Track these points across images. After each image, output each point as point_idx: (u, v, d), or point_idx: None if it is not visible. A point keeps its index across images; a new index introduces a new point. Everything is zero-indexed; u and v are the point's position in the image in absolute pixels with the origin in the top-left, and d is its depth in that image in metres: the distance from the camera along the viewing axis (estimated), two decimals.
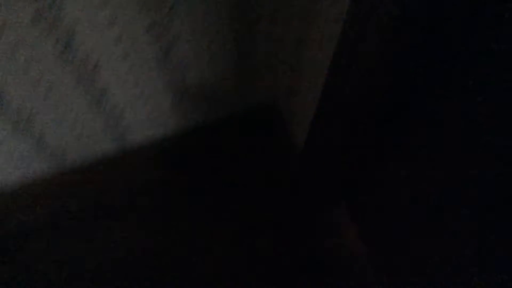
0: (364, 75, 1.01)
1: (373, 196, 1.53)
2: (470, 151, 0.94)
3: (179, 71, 1.27)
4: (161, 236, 1.62)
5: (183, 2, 1.04)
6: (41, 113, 1.19)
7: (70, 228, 1.64)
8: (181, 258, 1.58)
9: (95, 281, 1.55)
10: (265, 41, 1.32)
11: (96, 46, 1.05)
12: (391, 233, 1.46)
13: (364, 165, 1.51)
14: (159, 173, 1.71)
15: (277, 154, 1.76)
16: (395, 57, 0.95)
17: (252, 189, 1.71)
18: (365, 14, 0.85)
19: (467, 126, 0.92)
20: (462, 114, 0.92)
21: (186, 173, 1.74)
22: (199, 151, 1.75)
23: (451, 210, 1.08)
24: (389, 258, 1.49)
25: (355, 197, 1.67)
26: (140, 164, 1.65)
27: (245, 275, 1.55)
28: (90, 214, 1.66)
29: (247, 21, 1.20)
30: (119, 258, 1.58)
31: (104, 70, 1.14)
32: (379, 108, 1.21)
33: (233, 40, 1.24)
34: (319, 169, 1.60)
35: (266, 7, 1.17)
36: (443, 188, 1.09)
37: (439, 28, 0.87)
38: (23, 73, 1.03)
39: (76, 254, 1.59)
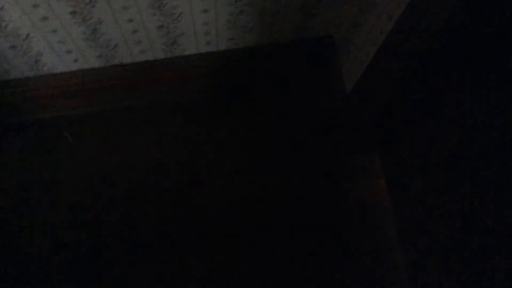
0: (428, 28, 0.96)
1: (406, 151, 1.50)
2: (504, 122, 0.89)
3: None
4: (198, 144, 1.63)
5: None
6: (101, 0, 1.16)
7: (103, 125, 1.66)
8: (208, 173, 1.60)
9: (134, 176, 1.60)
10: None
11: None
12: (417, 190, 1.44)
13: (403, 119, 1.48)
14: (202, 86, 1.70)
15: (324, 90, 1.72)
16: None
17: (291, 122, 1.69)
18: None
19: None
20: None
21: (228, 92, 1.72)
22: (246, 73, 1.71)
23: (478, 174, 1.05)
24: (412, 214, 1.48)
25: (390, 149, 1.64)
26: (185, 75, 1.63)
27: (273, 208, 1.57)
28: (125, 115, 1.67)
29: None
30: (142, 162, 1.61)
31: None
32: (431, 67, 1.16)
33: None
34: (362, 112, 1.57)
35: None
36: (472, 154, 1.06)
37: None
38: None
39: (101, 151, 1.63)
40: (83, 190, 1.58)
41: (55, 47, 1.34)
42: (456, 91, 1.18)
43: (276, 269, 1.50)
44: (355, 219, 1.57)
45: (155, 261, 1.50)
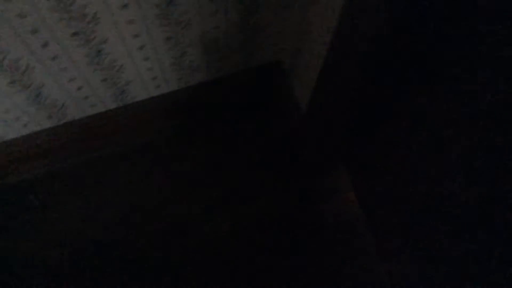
0: (367, 37, 0.97)
1: (372, 161, 1.52)
2: (467, 119, 0.91)
3: (181, 26, 1.22)
4: (160, 187, 1.62)
5: None
6: (38, 65, 1.15)
7: (68, 182, 1.64)
8: (178, 215, 1.59)
9: (97, 231, 1.57)
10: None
11: None
12: (389, 199, 1.46)
13: (363, 129, 1.49)
14: (160, 129, 1.69)
15: (280, 114, 1.74)
16: (396, 19, 0.91)
17: (253, 148, 1.69)
18: None
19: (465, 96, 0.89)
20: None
21: (186, 130, 1.72)
22: (201, 108, 1.72)
23: (448, 176, 1.07)
24: (387, 223, 1.49)
25: (355, 162, 1.66)
26: (140, 120, 1.63)
27: (244, 237, 1.56)
28: (89, 168, 1.66)
29: None
30: (119, 210, 1.59)
31: (103, 22, 1.10)
32: (380, 72, 1.18)
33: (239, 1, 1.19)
34: (320, 130, 1.58)
35: None
36: (441, 155, 1.08)
37: None
38: (17, 26, 0.99)
39: (73, 207, 1.61)
40: (55, 251, 1.55)
41: (1, 116, 1.32)
42: (405, 93, 1.20)
43: None
44: (332, 238, 1.58)
45: None
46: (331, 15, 1.11)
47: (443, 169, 1.09)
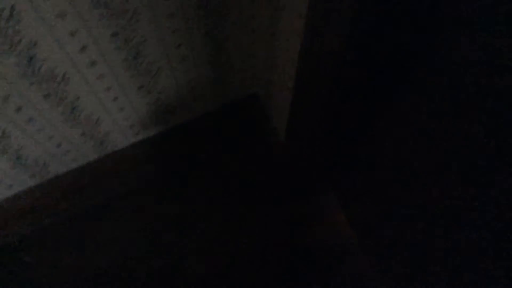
0: (329, 64, 1.01)
1: (359, 182, 1.54)
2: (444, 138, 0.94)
3: (151, 75, 1.25)
4: (147, 237, 1.62)
5: (147, 5, 1.02)
6: (15, 130, 1.17)
7: (58, 236, 1.64)
8: (172, 254, 1.59)
9: (89, 284, 1.57)
10: (237, 34, 1.29)
11: (60, 57, 1.03)
12: (378, 218, 1.47)
13: (342, 150, 1.52)
14: (144, 176, 1.71)
15: (260, 144, 1.76)
16: (356, 45, 0.94)
17: (237, 181, 1.71)
18: (325, 11, 0.84)
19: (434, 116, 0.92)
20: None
21: (170, 171, 1.73)
22: (182, 148, 1.74)
23: (430, 192, 1.09)
24: (379, 242, 1.50)
25: (342, 184, 1.67)
26: (123, 168, 1.64)
27: (236, 267, 1.56)
28: (78, 221, 1.66)
29: (215, 17, 1.17)
30: (111, 260, 1.59)
31: (73, 81, 1.12)
32: (348, 96, 1.21)
33: (203, 38, 1.22)
34: (300, 156, 1.61)
35: (232, 1, 1.15)
36: (424, 170, 1.10)
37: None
38: None
39: (67, 261, 1.60)
40: None
41: None
42: (376, 106, 1.23)
43: None
44: (323, 261, 1.58)
45: None
46: (293, 50, 1.15)
47: (425, 193, 1.12)
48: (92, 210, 1.67)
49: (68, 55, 1.03)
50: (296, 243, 1.61)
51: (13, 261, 1.64)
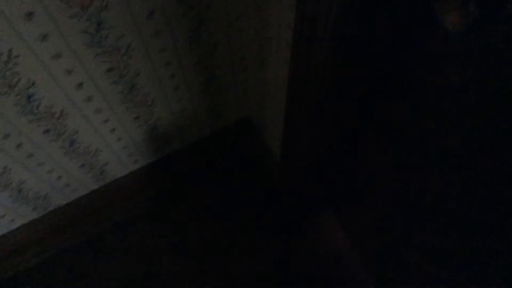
0: (316, 89, 1.04)
1: (356, 199, 1.56)
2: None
3: (146, 105, 1.29)
4: (151, 263, 1.64)
5: (139, 41, 1.06)
6: (15, 165, 1.21)
7: (62, 268, 1.66)
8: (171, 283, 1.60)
9: None
10: (228, 62, 1.34)
11: (58, 95, 1.07)
12: (378, 233, 1.49)
13: (338, 169, 1.54)
14: (144, 203, 1.73)
15: (256, 166, 1.79)
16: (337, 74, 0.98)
17: (234, 203, 1.73)
18: (309, 39, 0.88)
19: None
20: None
21: (170, 197, 1.76)
22: (180, 174, 1.77)
23: (428, 210, 1.11)
24: (379, 258, 1.52)
25: (340, 202, 1.70)
26: (124, 196, 1.67)
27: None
28: (78, 251, 1.68)
29: (206, 48, 1.22)
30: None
31: (71, 116, 1.16)
32: (337, 117, 1.24)
33: (194, 67, 1.26)
34: (297, 177, 1.63)
35: (221, 33, 1.19)
36: (420, 185, 1.12)
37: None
38: None
39: None
40: None
41: None
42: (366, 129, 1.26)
43: None
44: (327, 272, 1.60)
45: None
46: (282, 75, 1.19)
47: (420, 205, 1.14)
48: (94, 239, 1.69)
49: (65, 92, 1.07)
50: (295, 258, 1.62)
51: None
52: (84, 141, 1.29)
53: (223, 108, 1.54)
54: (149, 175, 1.65)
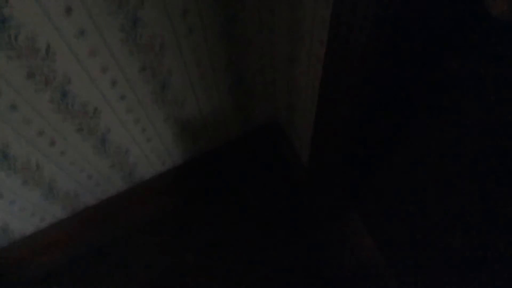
0: (351, 89, 1.03)
1: (383, 204, 1.53)
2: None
3: (177, 105, 1.29)
4: (178, 263, 1.63)
5: (172, 40, 1.06)
6: (48, 163, 1.22)
7: (87, 267, 1.67)
8: (199, 284, 1.59)
9: None
10: (258, 62, 1.33)
11: (92, 93, 1.08)
12: (404, 239, 1.45)
13: (365, 173, 1.52)
14: (171, 204, 1.73)
15: (284, 169, 1.77)
16: (373, 72, 0.96)
17: (263, 207, 1.72)
18: (345, 37, 0.86)
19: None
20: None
21: (197, 199, 1.75)
22: (208, 176, 1.76)
23: (453, 211, 1.08)
24: (406, 264, 1.48)
25: (366, 206, 1.67)
26: (151, 197, 1.67)
27: None
28: (105, 251, 1.68)
29: (237, 47, 1.21)
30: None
31: (104, 115, 1.17)
32: (368, 119, 1.22)
33: (225, 67, 1.26)
34: (325, 180, 1.61)
35: (253, 30, 1.19)
36: (446, 190, 1.09)
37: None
38: (25, 128, 1.06)
39: None
40: None
41: (18, 214, 1.37)
42: (401, 129, 1.23)
43: None
44: (355, 279, 1.56)
45: None
46: (314, 75, 1.18)
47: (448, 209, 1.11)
48: (119, 240, 1.70)
49: (99, 90, 1.08)
50: (321, 265, 1.59)
51: None
52: (115, 140, 1.30)
53: (251, 109, 1.54)
54: (177, 177, 1.65)
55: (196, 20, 1.05)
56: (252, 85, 1.41)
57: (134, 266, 1.65)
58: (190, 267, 1.63)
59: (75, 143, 1.21)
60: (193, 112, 1.37)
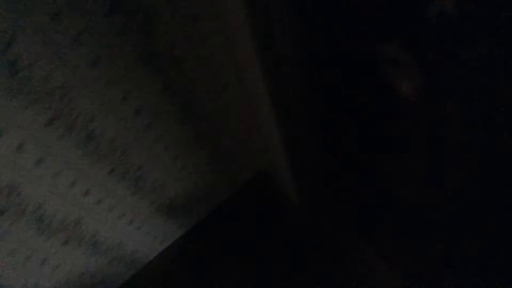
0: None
1: (379, 222, 1.51)
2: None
3: (157, 191, 1.31)
4: None
5: (132, 138, 1.08)
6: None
7: None
8: None
9: None
10: (229, 132, 1.35)
11: (67, 207, 1.09)
12: (419, 259, 1.43)
13: (360, 202, 1.50)
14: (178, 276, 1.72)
15: (281, 214, 1.76)
16: None
17: (268, 257, 1.69)
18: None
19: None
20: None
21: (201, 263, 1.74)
22: (208, 243, 1.75)
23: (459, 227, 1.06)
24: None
25: (374, 233, 1.64)
26: (158, 278, 1.67)
27: None
28: None
29: (199, 126, 1.23)
30: None
31: (85, 221, 1.18)
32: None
33: (194, 143, 1.28)
34: (318, 215, 1.60)
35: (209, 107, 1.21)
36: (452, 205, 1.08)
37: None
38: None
39: None
40: None
41: None
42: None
43: None
44: None
45: None
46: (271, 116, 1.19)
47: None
48: None
49: (74, 203, 1.10)
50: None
51: None
52: (106, 238, 1.31)
53: (234, 169, 1.55)
54: (178, 250, 1.65)
55: (150, 114, 1.07)
56: (227, 150, 1.42)
57: None
58: None
59: (65, 256, 1.22)
60: (177, 191, 1.38)
